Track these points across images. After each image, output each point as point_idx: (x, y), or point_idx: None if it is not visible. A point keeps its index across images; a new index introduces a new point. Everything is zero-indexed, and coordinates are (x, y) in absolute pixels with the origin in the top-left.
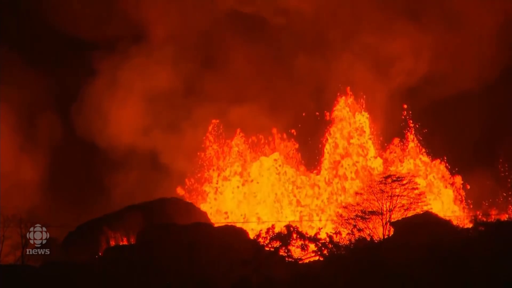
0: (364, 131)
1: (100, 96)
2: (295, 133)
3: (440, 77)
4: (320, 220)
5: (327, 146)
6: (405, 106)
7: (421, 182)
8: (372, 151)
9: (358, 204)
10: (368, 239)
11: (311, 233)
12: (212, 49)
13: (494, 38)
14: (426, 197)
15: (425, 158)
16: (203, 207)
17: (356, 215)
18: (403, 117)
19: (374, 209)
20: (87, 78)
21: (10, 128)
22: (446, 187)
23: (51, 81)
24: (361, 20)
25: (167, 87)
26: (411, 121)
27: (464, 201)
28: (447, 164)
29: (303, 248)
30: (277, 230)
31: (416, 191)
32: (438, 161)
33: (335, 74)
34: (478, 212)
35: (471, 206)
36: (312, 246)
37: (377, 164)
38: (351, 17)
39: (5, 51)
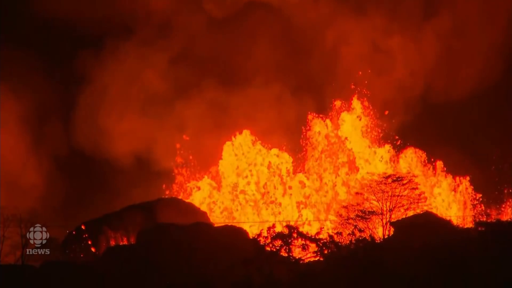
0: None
1: (98, 97)
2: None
3: (441, 81)
4: (319, 220)
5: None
6: (386, 113)
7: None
8: None
9: (358, 204)
10: (369, 239)
11: (312, 232)
12: (210, 45)
13: (497, 41)
14: (426, 198)
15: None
16: None
17: (356, 215)
18: (381, 130)
19: (374, 209)
20: (86, 79)
21: (10, 127)
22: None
23: (54, 81)
24: (365, 21)
25: (164, 85)
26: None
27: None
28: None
29: (304, 248)
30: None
31: (416, 191)
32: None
33: (333, 76)
34: (479, 212)
35: (469, 203)
36: (313, 246)
37: None
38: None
39: (5, 49)
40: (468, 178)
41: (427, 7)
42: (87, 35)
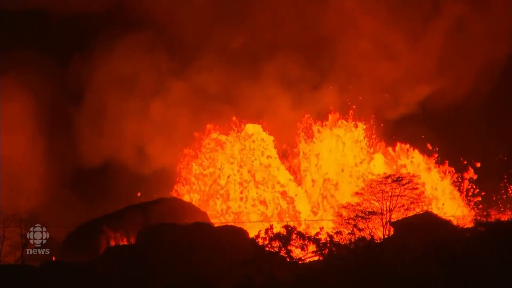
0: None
1: (98, 100)
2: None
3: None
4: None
5: None
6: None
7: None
8: None
9: (358, 204)
10: (369, 238)
11: (311, 232)
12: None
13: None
14: (426, 197)
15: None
16: None
17: (356, 215)
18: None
19: (374, 209)
20: (87, 78)
21: (12, 128)
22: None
23: (55, 82)
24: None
25: (162, 84)
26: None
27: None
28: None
29: (303, 248)
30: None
31: (416, 191)
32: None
33: (331, 75)
34: (479, 212)
35: (470, 202)
36: (312, 246)
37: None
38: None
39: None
40: (478, 164)
41: (427, 8)
42: (84, 36)
